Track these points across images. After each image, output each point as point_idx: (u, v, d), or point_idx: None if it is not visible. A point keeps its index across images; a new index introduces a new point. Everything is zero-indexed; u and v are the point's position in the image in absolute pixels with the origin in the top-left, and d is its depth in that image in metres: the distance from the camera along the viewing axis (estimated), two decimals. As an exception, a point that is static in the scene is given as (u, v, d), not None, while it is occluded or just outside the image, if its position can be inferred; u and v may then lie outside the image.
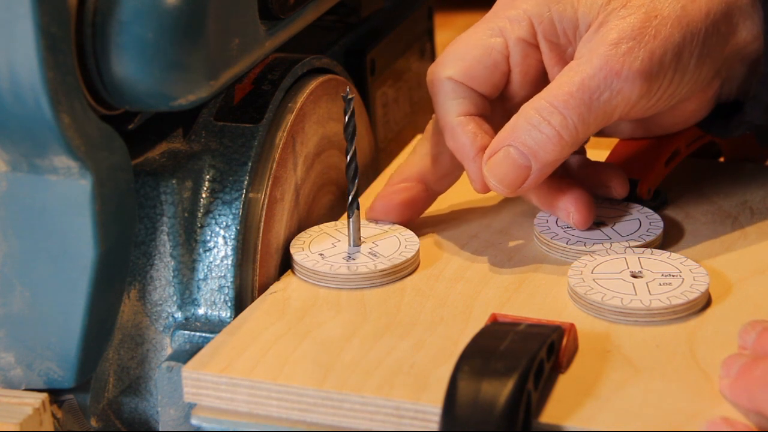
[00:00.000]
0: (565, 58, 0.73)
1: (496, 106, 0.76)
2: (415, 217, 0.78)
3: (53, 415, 0.68)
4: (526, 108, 0.71)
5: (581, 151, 0.80)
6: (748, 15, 0.71)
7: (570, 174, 0.78)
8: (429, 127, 0.78)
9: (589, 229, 0.76)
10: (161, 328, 0.71)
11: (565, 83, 0.70)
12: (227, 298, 0.70)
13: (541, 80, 0.74)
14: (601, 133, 0.79)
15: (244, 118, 0.73)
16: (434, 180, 0.77)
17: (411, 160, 0.78)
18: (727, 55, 0.72)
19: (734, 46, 0.72)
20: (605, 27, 0.70)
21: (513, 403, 0.58)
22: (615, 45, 0.70)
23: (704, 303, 0.69)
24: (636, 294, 0.68)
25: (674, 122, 0.76)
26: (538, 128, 0.70)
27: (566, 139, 0.70)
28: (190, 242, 0.71)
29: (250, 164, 0.71)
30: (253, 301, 0.71)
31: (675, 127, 0.77)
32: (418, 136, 0.92)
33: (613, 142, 0.82)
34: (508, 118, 0.72)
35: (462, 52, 0.74)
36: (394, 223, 0.77)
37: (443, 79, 0.74)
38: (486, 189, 0.74)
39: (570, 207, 0.74)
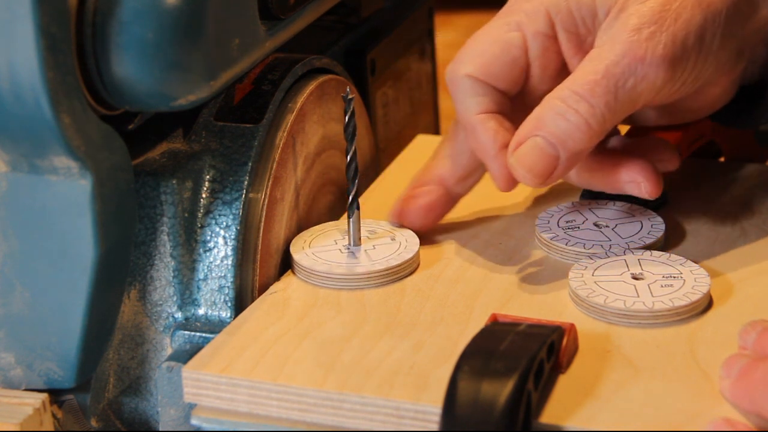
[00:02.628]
0: (584, 47, 0.72)
1: (516, 103, 0.75)
2: (436, 221, 0.77)
3: (53, 415, 0.68)
4: (550, 98, 0.70)
5: (615, 131, 0.79)
6: None
7: (618, 151, 0.76)
8: (450, 128, 0.77)
9: (590, 230, 0.76)
10: (161, 329, 0.71)
11: (589, 72, 0.69)
12: (227, 299, 0.70)
13: (560, 73, 0.73)
14: (628, 121, 0.77)
15: (245, 119, 0.73)
16: (455, 182, 0.76)
17: (431, 162, 0.77)
18: (749, 34, 0.71)
19: (756, 24, 0.71)
20: (625, 13, 0.70)
21: (513, 403, 0.58)
22: (637, 30, 0.69)
23: (706, 304, 0.69)
24: (638, 296, 0.68)
25: (699, 107, 0.75)
26: (564, 117, 0.69)
27: (594, 127, 0.69)
28: (190, 242, 0.71)
29: (250, 164, 0.71)
30: (253, 301, 0.71)
31: (700, 112, 0.76)
32: (419, 136, 0.92)
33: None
34: (528, 113, 0.71)
35: (480, 49, 0.73)
36: (415, 228, 0.76)
37: (462, 77, 0.73)
38: (509, 186, 0.73)
39: (638, 177, 0.72)
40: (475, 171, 0.76)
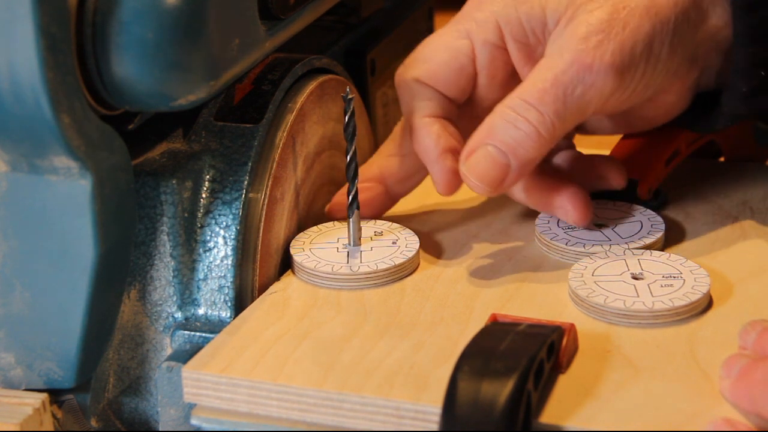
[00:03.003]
0: (534, 57, 0.73)
1: (465, 110, 0.76)
2: (374, 218, 0.78)
3: (53, 415, 0.68)
4: (501, 106, 0.71)
5: (571, 146, 0.80)
6: (718, 1, 0.71)
7: (564, 170, 0.78)
8: (396, 128, 0.78)
9: (590, 230, 0.76)
10: (161, 328, 0.71)
11: (538, 80, 0.70)
12: (227, 298, 0.70)
13: (508, 82, 0.74)
14: (583, 131, 0.79)
15: (244, 118, 0.73)
16: (396, 181, 0.77)
17: (375, 160, 0.78)
18: (700, 42, 0.72)
19: (705, 33, 0.72)
20: (574, 22, 0.70)
21: (513, 403, 0.58)
22: (585, 39, 0.69)
23: (706, 304, 0.69)
24: (638, 296, 0.68)
25: (655, 114, 0.76)
26: (515, 125, 0.70)
27: (544, 135, 0.70)
28: (190, 242, 0.71)
29: (250, 164, 0.71)
30: (253, 301, 0.71)
31: (657, 120, 0.76)
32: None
33: (614, 141, 0.82)
34: (477, 122, 0.72)
35: (429, 54, 0.75)
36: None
37: (410, 80, 0.75)
38: (450, 191, 0.74)
39: (567, 205, 0.74)
40: (417, 173, 0.77)
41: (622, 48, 0.69)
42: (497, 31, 0.73)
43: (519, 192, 0.75)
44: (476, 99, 0.76)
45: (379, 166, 0.78)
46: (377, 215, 0.78)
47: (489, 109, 0.72)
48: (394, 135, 0.78)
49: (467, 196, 0.81)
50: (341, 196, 0.77)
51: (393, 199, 0.78)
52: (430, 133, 0.74)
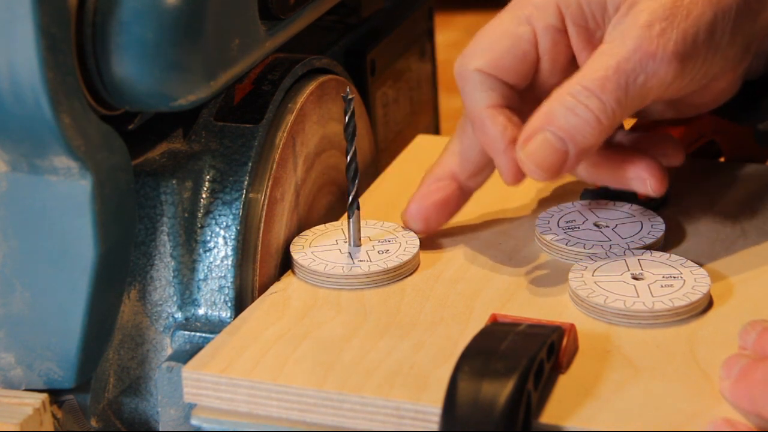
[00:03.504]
0: (593, 42, 0.72)
1: (525, 96, 0.74)
2: (450, 217, 0.77)
3: (53, 416, 0.68)
4: (560, 92, 0.69)
5: (620, 126, 0.79)
6: None
7: (626, 145, 0.76)
8: (458, 123, 0.77)
9: (590, 230, 0.76)
10: (161, 329, 0.71)
11: (599, 67, 0.69)
12: (227, 299, 0.70)
13: (569, 67, 0.73)
14: (634, 114, 0.78)
15: (245, 119, 0.73)
16: (467, 177, 0.76)
17: (442, 158, 0.77)
18: (758, 30, 0.71)
19: (764, 21, 0.71)
20: (636, 8, 0.69)
21: (513, 403, 0.58)
22: (648, 26, 0.68)
23: (706, 304, 0.69)
24: (638, 296, 0.68)
25: (705, 101, 0.74)
26: (575, 112, 0.69)
27: (604, 122, 0.69)
28: (190, 242, 0.71)
29: (250, 164, 0.71)
30: (253, 301, 0.71)
31: (706, 107, 0.75)
32: (419, 136, 0.92)
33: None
34: (537, 106, 0.71)
35: (489, 43, 0.73)
36: (431, 226, 0.76)
37: (471, 71, 0.73)
38: (517, 180, 0.72)
39: (644, 174, 0.72)
40: (486, 166, 0.76)
41: (685, 36, 0.68)
42: (558, 14, 0.72)
43: (586, 169, 0.74)
44: (537, 84, 0.74)
45: (447, 164, 0.76)
46: (453, 214, 0.77)
47: (550, 93, 0.71)
48: (457, 131, 0.76)
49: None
50: (415, 201, 0.76)
51: (467, 195, 0.77)
52: (495, 125, 0.72)
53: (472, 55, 0.73)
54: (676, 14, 0.69)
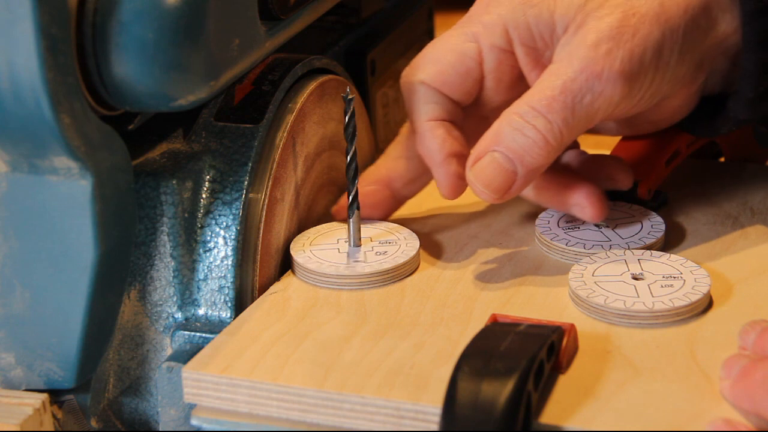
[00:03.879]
0: (542, 62, 0.73)
1: (470, 113, 0.76)
2: (381, 220, 0.78)
3: (53, 416, 0.68)
4: (508, 113, 0.70)
5: (576, 144, 0.80)
6: (727, 7, 0.71)
7: (573, 169, 0.77)
8: (402, 130, 0.78)
9: (591, 230, 0.76)
10: (161, 329, 0.71)
11: (546, 87, 0.69)
12: (227, 299, 0.70)
13: (515, 86, 0.74)
14: (587, 132, 0.78)
15: (245, 119, 0.73)
16: (402, 184, 0.77)
17: (381, 162, 0.78)
18: (708, 48, 0.72)
19: (714, 39, 0.71)
20: (583, 28, 0.70)
21: (513, 403, 0.58)
22: (594, 47, 0.69)
23: (706, 304, 0.69)
24: (638, 296, 0.68)
25: (660, 118, 0.75)
26: (522, 132, 0.69)
27: (552, 143, 0.70)
28: (190, 242, 0.71)
29: (250, 165, 0.71)
30: (253, 301, 0.71)
31: (661, 124, 0.76)
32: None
33: (614, 142, 0.82)
34: (483, 125, 0.72)
35: (436, 57, 0.74)
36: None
37: (416, 83, 0.74)
38: (454, 194, 0.74)
39: (583, 201, 0.73)
40: (423, 175, 0.77)
41: (631, 56, 0.69)
42: (505, 34, 0.73)
43: (530, 191, 0.75)
44: (482, 101, 0.75)
45: (385, 169, 0.77)
46: (383, 218, 0.78)
47: (495, 111, 0.72)
48: (400, 137, 0.78)
49: (467, 197, 0.81)
50: (346, 199, 0.77)
51: (399, 201, 0.78)
52: (434, 137, 0.73)
53: (417, 67, 0.75)
54: (623, 34, 0.69)
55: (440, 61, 0.74)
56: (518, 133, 0.69)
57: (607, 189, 0.77)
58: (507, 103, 0.71)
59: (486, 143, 0.70)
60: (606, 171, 0.77)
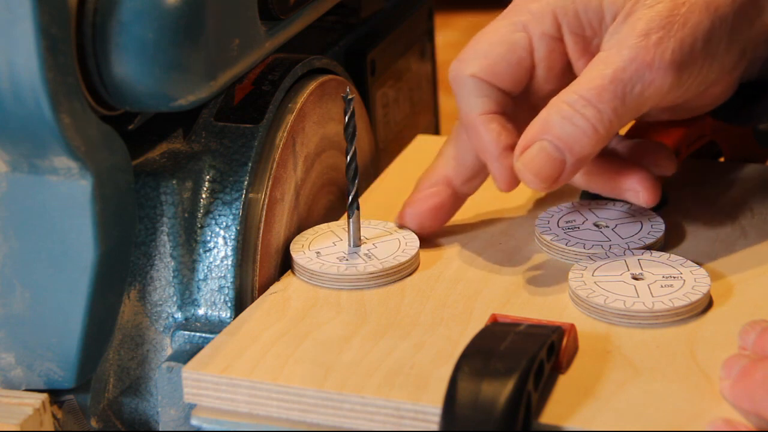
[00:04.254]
0: (590, 50, 0.72)
1: (520, 102, 0.74)
2: (445, 222, 0.77)
3: (53, 416, 0.68)
4: (557, 101, 0.70)
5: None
6: None
7: (618, 155, 0.76)
8: (453, 128, 0.77)
9: (590, 230, 0.76)
10: (161, 329, 0.71)
11: (596, 76, 0.69)
12: (227, 299, 0.70)
13: (565, 74, 0.73)
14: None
15: (245, 119, 0.73)
16: (461, 182, 0.76)
17: (437, 163, 0.77)
18: (754, 36, 0.71)
19: (761, 27, 0.71)
20: (633, 17, 0.69)
21: (513, 403, 0.58)
22: (645, 35, 0.68)
23: (706, 304, 0.69)
24: (638, 296, 0.68)
25: (701, 105, 0.75)
26: (572, 121, 0.69)
27: (601, 132, 0.69)
28: (190, 242, 0.71)
29: (250, 165, 0.71)
30: (253, 301, 0.71)
31: (702, 110, 0.75)
32: (419, 136, 0.92)
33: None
34: (532, 114, 0.70)
35: (485, 49, 0.73)
36: (424, 230, 0.76)
37: (466, 77, 0.73)
38: (510, 187, 0.73)
39: (637, 186, 0.73)
40: (481, 171, 0.76)
41: (682, 45, 0.68)
42: (554, 22, 0.72)
43: (580, 178, 0.74)
44: (532, 90, 0.74)
45: (442, 169, 0.76)
46: (447, 220, 0.77)
47: (544, 100, 0.70)
48: (452, 135, 0.77)
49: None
50: (408, 206, 0.76)
51: (461, 201, 0.77)
52: (489, 131, 0.72)
53: (467, 61, 0.73)
54: (673, 23, 0.68)
55: (490, 54, 0.73)
56: (567, 122, 0.69)
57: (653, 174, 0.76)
58: (556, 92, 0.70)
59: (534, 132, 0.70)
60: (650, 156, 0.76)
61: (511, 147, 0.72)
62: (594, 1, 0.71)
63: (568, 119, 0.69)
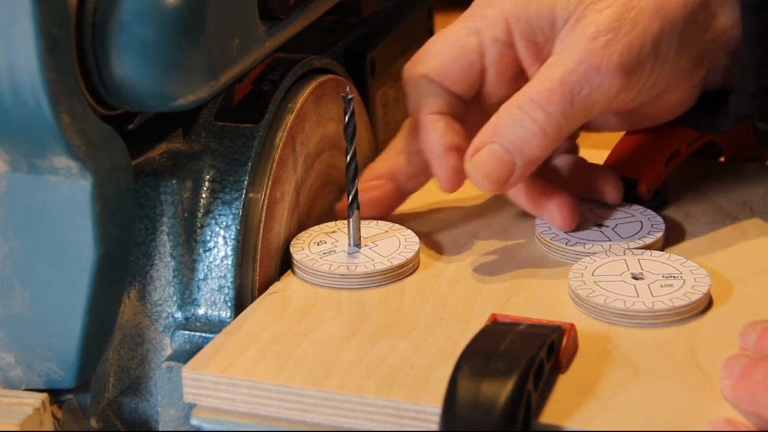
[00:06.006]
0: (542, 56, 0.73)
1: (472, 107, 0.76)
2: (385, 215, 0.78)
3: (53, 416, 0.68)
4: (508, 105, 0.71)
5: (574, 151, 0.80)
6: (726, 2, 0.71)
7: (562, 174, 0.78)
8: (405, 124, 0.78)
9: (590, 230, 0.76)
10: (161, 328, 0.71)
11: (545, 79, 0.70)
12: (227, 298, 0.70)
13: (517, 80, 0.74)
14: (587, 128, 0.79)
15: (244, 119, 0.73)
16: (405, 178, 0.77)
17: (384, 156, 0.78)
18: (707, 43, 0.72)
19: (713, 33, 0.72)
20: (583, 21, 0.70)
21: (513, 403, 0.58)
22: (593, 39, 0.69)
23: (706, 304, 0.69)
24: (638, 296, 0.68)
25: (660, 113, 0.76)
26: (521, 124, 0.70)
27: (550, 134, 0.70)
28: (190, 242, 0.71)
29: (250, 164, 0.71)
30: (253, 301, 0.71)
31: (662, 118, 0.76)
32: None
33: (614, 141, 0.82)
34: (484, 119, 0.72)
35: (438, 51, 0.75)
36: (364, 220, 0.77)
37: (417, 77, 0.75)
38: (452, 187, 0.74)
39: (554, 210, 0.74)
40: (427, 169, 0.77)
41: (630, 48, 0.69)
42: (506, 28, 0.73)
43: (517, 193, 0.75)
44: (484, 95, 0.75)
45: (388, 163, 0.77)
46: (387, 213, 0.78)
47: (496, 106, 0.72)
48: (402, 132, 0.78)
49: (467, 195, 0.81)
50: (344, 197, 0.77)
51: (403, 196, 0.78)
52: (434, 130, 0.74)
53: (419, 61, 0.75)
54: (621, 26, 0.69)
55: (442, 55, 0.74)
56: (517, 125, 0.70)
57: (594, 199, 0.78)
58: (508, 98, 0.71)
59: (485, 135, 0.71)
60: (595, 183, 0.77)
61: (456, 148, 0.74)
62: (546, 8, 0.72)
63: (518, 122, 0.70)
